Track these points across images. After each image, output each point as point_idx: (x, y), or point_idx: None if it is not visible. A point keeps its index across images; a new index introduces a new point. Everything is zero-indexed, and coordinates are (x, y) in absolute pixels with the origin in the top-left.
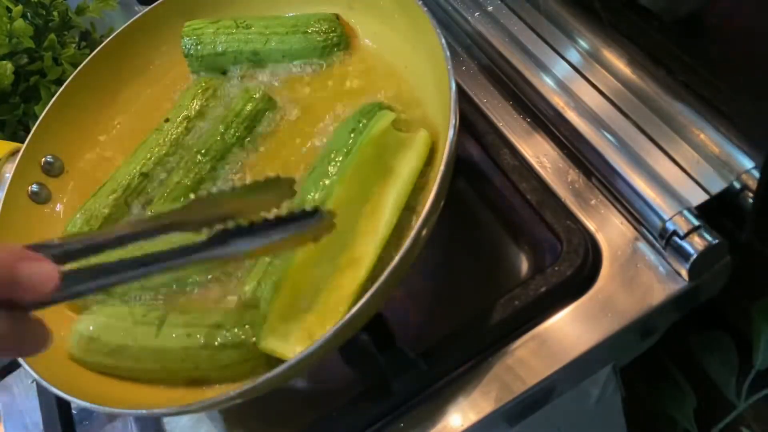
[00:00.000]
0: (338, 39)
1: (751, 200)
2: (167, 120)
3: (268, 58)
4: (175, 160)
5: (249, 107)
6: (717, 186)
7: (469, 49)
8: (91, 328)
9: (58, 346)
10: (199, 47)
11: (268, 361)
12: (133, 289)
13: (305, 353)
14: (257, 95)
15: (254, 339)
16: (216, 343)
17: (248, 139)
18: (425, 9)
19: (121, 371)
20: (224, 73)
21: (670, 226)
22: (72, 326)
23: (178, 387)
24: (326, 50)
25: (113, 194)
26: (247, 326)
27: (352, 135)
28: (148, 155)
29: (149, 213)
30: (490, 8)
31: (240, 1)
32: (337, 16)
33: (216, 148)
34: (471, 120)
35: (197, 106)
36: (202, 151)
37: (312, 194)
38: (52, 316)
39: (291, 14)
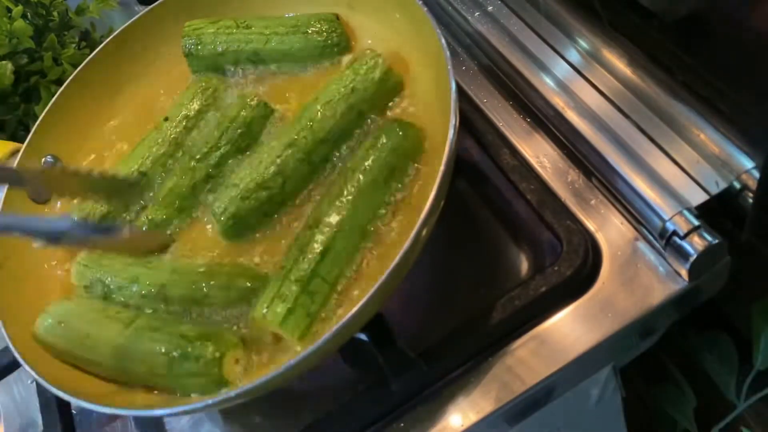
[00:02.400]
0: (338, 39)
1: (751, 200)
2: (166, 119)
3: (269, 58)
4: (173, 160)
5: (244, 113)
6: (717, 186)
7: (469, 49)
8: (62, 311)
9: None
10: (199, 47)
11: (221, 380)
12: (154, 301)
13: (305, 353)
14: (253, 102)
15: (211, 356)
16: (176, 353)
17: (247, 143)
18: (425, 9)
19: (79, 362)
20: (224, 72)
21: (670, 226)
22: (46, 308)
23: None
24: (326, 50)
25: None
26: (208, 342)
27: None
28: (146, 154)
29: (147, 218)
30: (490, 8)
31: (240, 1)
32: (337, 16)
33: (211, 154)
34: (471, 120)
35: (197, 106)
36: (197, 157)
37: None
38: None
39: (291, 14)
